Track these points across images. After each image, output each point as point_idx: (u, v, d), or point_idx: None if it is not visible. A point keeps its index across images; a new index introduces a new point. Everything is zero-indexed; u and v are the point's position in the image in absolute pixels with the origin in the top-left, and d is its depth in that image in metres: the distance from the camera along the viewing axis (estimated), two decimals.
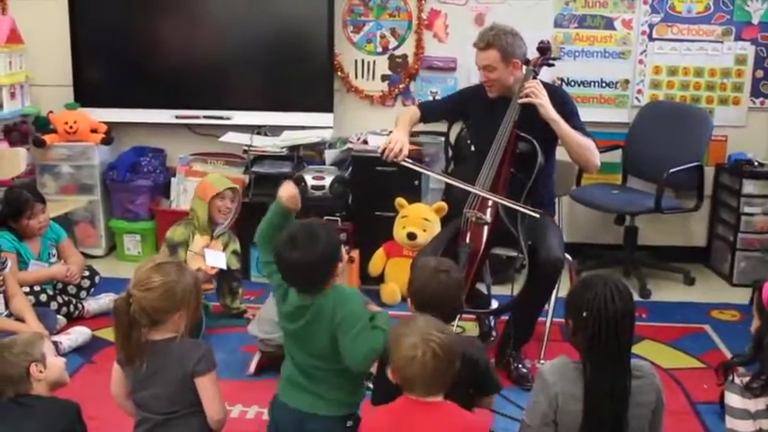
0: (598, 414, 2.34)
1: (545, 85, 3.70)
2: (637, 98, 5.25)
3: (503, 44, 3.64)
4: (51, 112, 5.25)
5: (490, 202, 3.59)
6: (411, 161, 3.75)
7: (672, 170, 4.66)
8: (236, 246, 4.28)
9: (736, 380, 2.50)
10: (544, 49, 3.83)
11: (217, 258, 4.11)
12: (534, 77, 3.71)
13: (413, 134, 4.97)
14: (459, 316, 3.63)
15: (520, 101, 3.61)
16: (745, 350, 2.66)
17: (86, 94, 5.28)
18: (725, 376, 2.54)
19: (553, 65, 3.95)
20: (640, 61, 5.20)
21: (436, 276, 2.64)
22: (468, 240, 3.58)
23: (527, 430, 2.47)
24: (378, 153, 3.76)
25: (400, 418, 2.27)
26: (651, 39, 5.17)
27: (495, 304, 4.09)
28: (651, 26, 5.16)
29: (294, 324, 2.59)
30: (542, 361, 3.80)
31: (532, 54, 3.82)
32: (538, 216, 3.52)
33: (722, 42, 5.15)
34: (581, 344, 2.40)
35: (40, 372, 2.55)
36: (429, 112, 4.05)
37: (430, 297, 2.61)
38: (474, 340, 2.58)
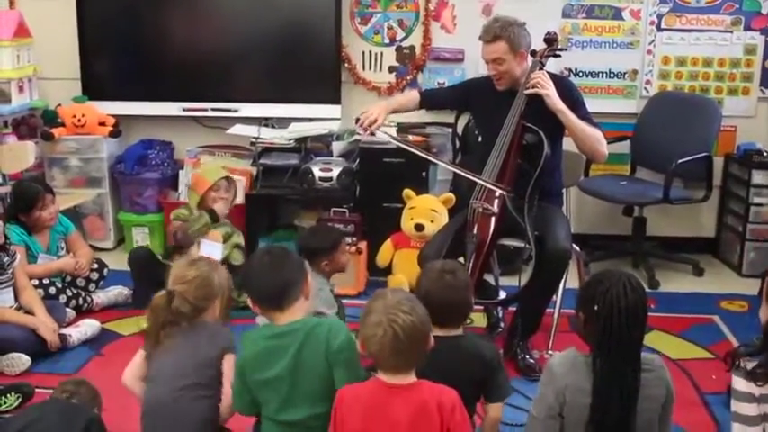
0: (606, 409, 2.32)
1: (551, 75, 3.69)
2: (645, 89, 5.23)
3: (510, 35, 3.63)
4: (59, 105, 5.25)
5: (497, 193, 3.59)
6: (386, 132, 3.81)
7: (680, 161, 4.65)
8: (239, 240, 4.30)
9: (743, 364, 2.48)
10: (551, 39, 3.82)
11: (212, 250, 4.11)
12: (541, 68, 3.71)
13: (420, 125, 5.02)
14: None
15: (527, 92, 3.61)
16: (753, 340, 2.65)
17: (94, 87, 5.28)
18: (732, 363, 2.52)
19: (559, 56, 3.94)
20: (649, 51, 5.18)
21: (442, 278, 2.60)
22: (475, 231, 3.58)
23: (533, 422, 2.46)
24: (355, 125, 3.86)
25: (372, 400, 2.26)
26: (660, 29, 5.15)
27: (502, 295, 4.08)
28: (660, 16, 5.13)
29: (282, 361, 2.43)
30: (550, 352, 3.81)
31: (539, 45, 3.81)
32: (504, 193, 3.53)
33: (731, 32, 5.13)
34: (592, 337, 2.39)
35: None
36: (429, 98, 4.07)
37: (438, 300, 2.54)
38: (488, 343, 2.56)
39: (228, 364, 2.62)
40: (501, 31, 3.63)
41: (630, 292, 2.34)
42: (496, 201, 3.61)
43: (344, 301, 3.98)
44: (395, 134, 4.68)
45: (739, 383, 2.48)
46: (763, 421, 2.47)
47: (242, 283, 2.64)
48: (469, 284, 2.71)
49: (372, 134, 3.79)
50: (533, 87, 3.57)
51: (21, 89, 5.09)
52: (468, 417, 2.35)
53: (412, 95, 4.00)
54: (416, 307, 2.28)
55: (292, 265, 2.54)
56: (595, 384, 2.34)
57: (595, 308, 2.34)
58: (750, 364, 2.46)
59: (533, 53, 3.76)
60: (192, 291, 2.61)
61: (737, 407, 2.50)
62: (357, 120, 3.77)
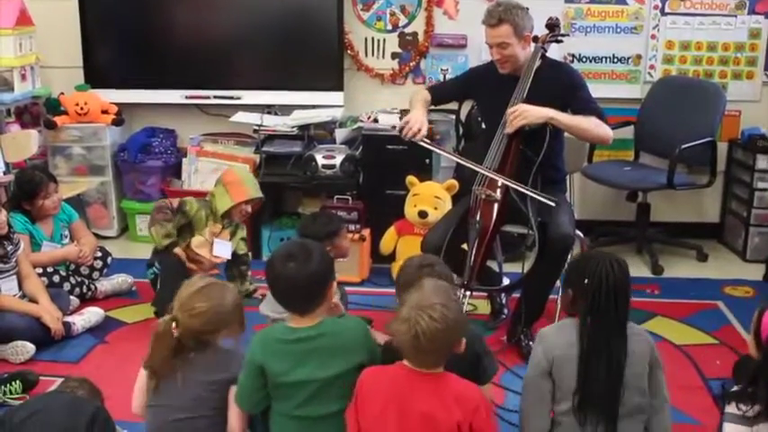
0: (594, 375, 2.42)
1: (551, 62, 3.70)
2: (649, 73, 5.21)
3: (514, 18, 3.61)
4: (62, 93, 5.25)
5: (500, 181, 3.58)
6: (429, 141, 3.80)
7: (684, 146, 4.63)
8: (243, 233, 4.28)
9: (733, 409, 2.47)
10: (552, 25, 3.82)
11: (223, 249, 4.11)
12: (543, 54, 3.70)
13: None
14: (470, 294, 3.66)
15: (507, 131, 3.59)
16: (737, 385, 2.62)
17: (96, 75, 5.28)
18: (723, 406, 2.56)
19: (561, 41, 3.94)
20: (653, 36, 5.16)
21: (420, 272, 2.67)
22: (478, 218, 3.57)
23: (525, 382, 2.57)
24: (396, 132, 3.80)
25: (394, 385, 2.28)
26: (663, 13, 5.13)
27: (506, 281, 4.09)
28: (663, 0, 5.10)
29: (312, 363, 2.44)
30: None
31: (542, 30, 3.79)
32: (553, 204, 3.51)
33: (736, 16, 5.10)
34: (581, 309, 2.49)
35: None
36: (438, 94, 4.05)
37: None
38: (469, 333, 2.57)
39: (233, 395, 2.55)
40: (505, 15, 3.62)
41: (618, 268, 2.48)
42: (499, 187, 3.60)
43: (348, 288, 3.98)
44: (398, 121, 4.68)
45: (729, 428, 2.47)
46: None
47: (267, 282, 2.57)
48: (449, 278, 2.74)
49: (414, 144, 3.78)
50: (512, 124, 3.54)
51: (23, 77, 5.08)
52: (493, 414, 2.38)
53: (425, 95, 3.99)
54: (448, 313, 2.25)
55: (317, 274, 2.49)
56: (582, 353, 2.43)
57: (585, 281, 2.46)
58: (740, 406, 2.44)
59: (535, 39, 3.74)
60: (198, 324, 2.51)
61: None
62: (401, 131, 3.72)
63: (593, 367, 2.42)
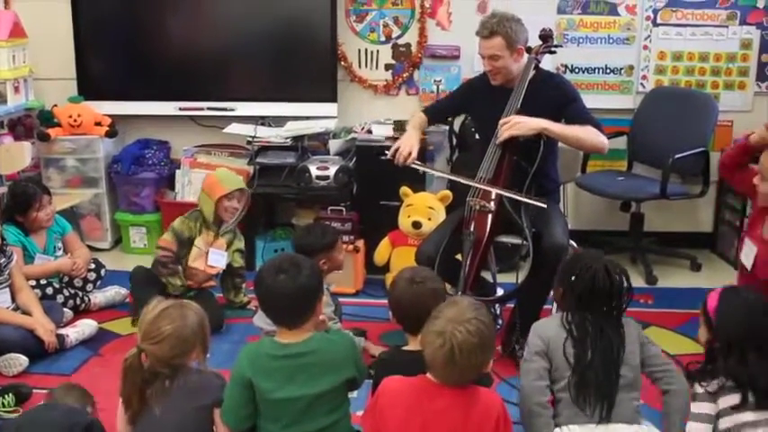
0: (587, 358, 2.54)
1: (543, 72, 3.73)
2: (641, 84, 5.23)
3: (507, 31, 3.63)
4: (55, 105, 5.24)
5: (493, 192, 3.59)
6: (420, 163, 3.87)
7: (677, 156, 4.65)
8: (240, 244, 4.29)
9: (698, 389, 2.61)
10: (546, 36, 3.84)
11: (218, 259, 4.12)
12: (536, 65, 3.72)
13: None
14: None
15: (498, 141, 3.61)
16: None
17: (90, 87, 5.28)
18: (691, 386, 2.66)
19: (555, 52, 3.96)
20: (645, 47, 5.18)
21: (411, 287, 2.69)
22: (472, 228, 3.58)
23: (523, 364, 2.66)
24: (389, 157, 3.85)
25: (416, 397, 2.29)
26: (655, 24, 5.15)
27: (500, 292, 4.09)
28: (655, 11, 5.13)
29: (302, 380, 2.45)
30: None
31: (535, 42, 3.81)
32: (545, 206, 3.53)
33: (727, 27, 5.12)
34: (569, 304, 2.61)
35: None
36: (433, 115, 4.11)
37: (407, 308, 2.67)
38: None
39: (219, 417, 2.51)
40: (498, 27, 3.63)
41: (612, 268, 2.60)
42: (493, 199, 3.61)
43: (342, 299, 3.98)
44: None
45: (696, 407, 2.60)
46: None
47: (256, 295, 2.58)
48: (440, 294, 2.74)
49: (406, 167, 3.82)
50: (503, 134, 3.57)
51: (16, 89, 5.08)
52: (511, 426, 2.39)
53: (421, 118, 4.04)
54: (484, 329, 2.28)
55: (307, 288, 2.49)
56: (574, 343, 2.56)
57: (572, 279, 2.59)
58: (704, 385, 2.59)
59: (528, 50, 3.76)
60: (165, 350, 2.44)
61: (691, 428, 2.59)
62: (393, 155, 3.80)
63: (584, 356, 2.54)
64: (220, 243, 4.15)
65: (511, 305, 3.89)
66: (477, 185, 3.63)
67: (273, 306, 2.53)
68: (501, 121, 3.59)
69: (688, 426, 2.59)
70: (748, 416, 2.52)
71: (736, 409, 2.53)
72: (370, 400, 2.37)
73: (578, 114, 3.67)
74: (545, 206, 3.54)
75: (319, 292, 2.56)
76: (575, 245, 3.90)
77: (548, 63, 4.12)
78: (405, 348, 2.72)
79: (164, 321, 2.47)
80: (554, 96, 3.69)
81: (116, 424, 2.58)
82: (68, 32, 5.22)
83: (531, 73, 3.74)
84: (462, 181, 3.73)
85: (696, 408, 2.58)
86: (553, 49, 3.89)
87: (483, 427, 2.24)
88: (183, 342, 2.47)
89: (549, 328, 2.63)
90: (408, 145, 3.80)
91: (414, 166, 3.81)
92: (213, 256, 4.11)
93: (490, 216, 3.58)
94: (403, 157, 3.77)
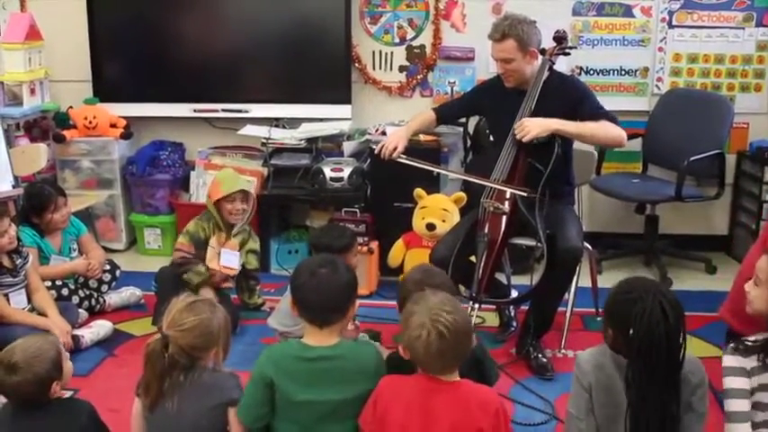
0: (645, 422, 2.30)
1: (556, 74, 3.73)
2: (657, 86, 5.20)
3: (519, 33, 3.61)
4: (71, 107, 5.27)
5: (508, 194, 3.58)
6: (405, 157, 3.80)
7: (692, 158, 4.62)
8: (254, 245, 4.28)
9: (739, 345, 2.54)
10: (560, 38, 3.82)
11: (231, 259, 4.12)
12: (550, 67, 3.71)
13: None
14: (478, 307, 3.66)
15: (513, 144, 3.61)
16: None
17: (105, 89, 5.30)
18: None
19: (569, 54, 3.94)
20: (660, 49, 5.16)
21: (421, 288, 2.62)
22: (486, 230, 3.58)
23: (574, 422, 2.45)
24: (375, 151, 3.86)
25: (415, 396, 2.28)
26: (671, 26, 5.13)
27: (514, 294, 4.08)
28: (671, 13, 5.11)
29: (329, 384, 2.43)
30: (563, 351, 3.80)
31: (549, 44, 3.80)
32: (525, 195, 3.53)
33: (743, 29, 5.10)
34: (626, 354, 2.34)
35: (58, 385, 2.53)
36: (445, 114, 4.08)
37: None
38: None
39: (234, 416, 2.50)
40: (510, 30, 3.62)
41: (670, 311, 2.30)
42: (507, 200, 3.60)
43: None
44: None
45: (727, 360, 2.54)
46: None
47: (292, 289, 2.56)
48: (453, 292, 2.71)
49: (393, 161, 3.80)
50: (521, 137, 3.54)
51: (32, 92, 5.11)
52: (510, 420, 2.37)
53: (428, 116, 4.02)
54: (457, 306, 2.32)
55: (347, 284, 2.50)
56: (630, 404, 2.30)
57: (630, 332, 2.26)
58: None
59: (543, 52, 3.75)
60: (189, 339, 2.46)
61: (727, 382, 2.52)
62: (378, 152, 3.81)
63: (642, 419, 2.29)
64: (232, 243, 4.16)
65: (525, 307, 3.88)
66: (465, 178, 3.62)
67: (311, 299, 2.49)
68: (515, 125, 3.58)
69: (724, 381, 2.50)
70: None
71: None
72: (369, 400, 2.36)
73: (592, 111, 3.64)
74: (525, 194, 3.53)
75: (355, 290, 2.55)
76: (589, 247, 3.89)
77: (562, 65, 4.12)
78: None
79: (192, 312, 2.50)
80: (567, 98, 3.67)
81: (131, 422, 2.58)
82: (84, 35, 5.24)
83: (546, 74, 3.73)
84: (450, 175, 3.69)
85: (730, 362, 2.49)
86: (567, 50, 3.87)
87: (482, 421, 2.23)
88: (207, 334, 2.49)
89: (592, 381, 2.39)
90: (394, 140, 3.79)
91: (399, 160, 3.78)
92: (225, 256, 4.11)
93: (504, 218, 3.58)
94: (389, 151, 3.76)
